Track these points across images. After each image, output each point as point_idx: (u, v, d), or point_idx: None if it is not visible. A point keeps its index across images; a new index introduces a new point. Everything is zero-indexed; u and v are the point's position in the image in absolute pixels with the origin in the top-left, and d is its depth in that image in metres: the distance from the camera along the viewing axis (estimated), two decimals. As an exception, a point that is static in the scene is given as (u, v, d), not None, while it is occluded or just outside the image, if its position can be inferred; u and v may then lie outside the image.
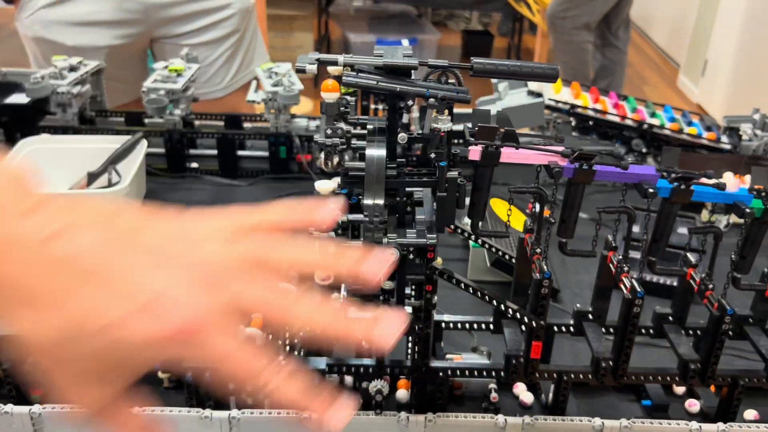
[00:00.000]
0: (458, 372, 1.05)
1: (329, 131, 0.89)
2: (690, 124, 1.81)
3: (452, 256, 1.52)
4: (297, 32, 5.64)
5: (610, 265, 1.06)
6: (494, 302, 1.00)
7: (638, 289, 0.98)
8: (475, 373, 1.06)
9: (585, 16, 4.25)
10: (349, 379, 1.13)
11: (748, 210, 0.95)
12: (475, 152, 0.93)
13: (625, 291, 0.99)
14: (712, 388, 1.15)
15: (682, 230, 1.48)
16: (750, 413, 1.13)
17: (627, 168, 0.94)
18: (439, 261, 1.04)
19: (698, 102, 5.26)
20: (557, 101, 1.72)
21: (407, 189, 1.03)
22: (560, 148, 0.93)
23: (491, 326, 1.15)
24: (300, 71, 0.92)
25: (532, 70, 0.93)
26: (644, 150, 1.74)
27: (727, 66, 4.87)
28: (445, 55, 6.05)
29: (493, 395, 1.09)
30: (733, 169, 1.81)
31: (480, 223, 1.01)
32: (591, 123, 1.76)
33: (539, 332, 0.99)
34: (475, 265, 1.44)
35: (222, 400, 1.06)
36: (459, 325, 1.16)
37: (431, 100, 0.89)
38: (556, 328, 1.15)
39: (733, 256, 1.02)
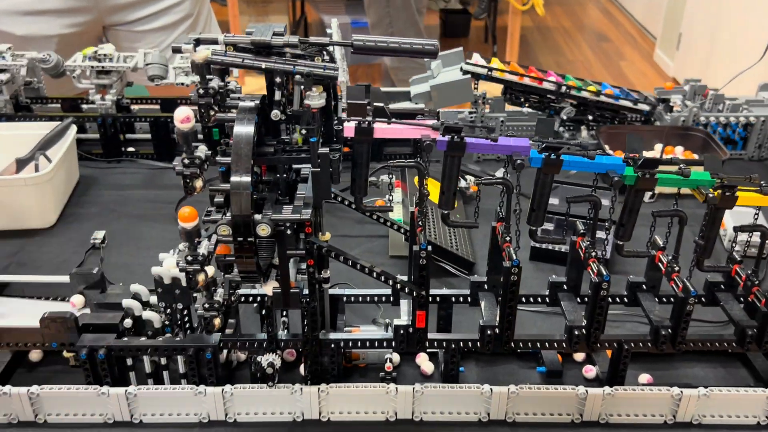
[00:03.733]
0: (350, 344, 1.08)
1: (186, 160, 0.91)
2: (626, 95, 1.82)
3: (377, 233, 1.54)
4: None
5: (498, 237, 1.08)
6: (374, 274, 1.01)
7: (513, 258, 1.00)
8: (367, 344, 1.08)
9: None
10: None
11: (616, 178, 0.97)
12: (349, 129, 0.95)
13: (505, 261, 1.01)
14: (609, 353, 1.17)
15: (605, 202, 1.49)
16: (644, 377, 1.16)
17: (496, 140, 0.96)
18: (327, 236, 1.06)
19: (674, 76, 5.25)
20: (475, 65, 1.72)
21: (296, 166, 1.05)
22: (431, 122, 0.95)
23: (391, 299, 1.18)
24: (176, 51, 0.93)
25: (411, 46, 0.95)
26: (572, 116, 1.75)
27: (701, 39, 4.86)
28: (422, 35, 6.03)
29: (388, 365, 1.11)
30: (664, 140, 1.84)
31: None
32: (520, 94, 1.77)
33: (422, 302, 1.01)
34: (394, 242, 1.46)
35: (121, 377, 1.09)
36: (360, 298, 1.18)
37: (297, 76, 0.91)
38: (453, 299, 1.17)
39: (607, 225, 1.04)
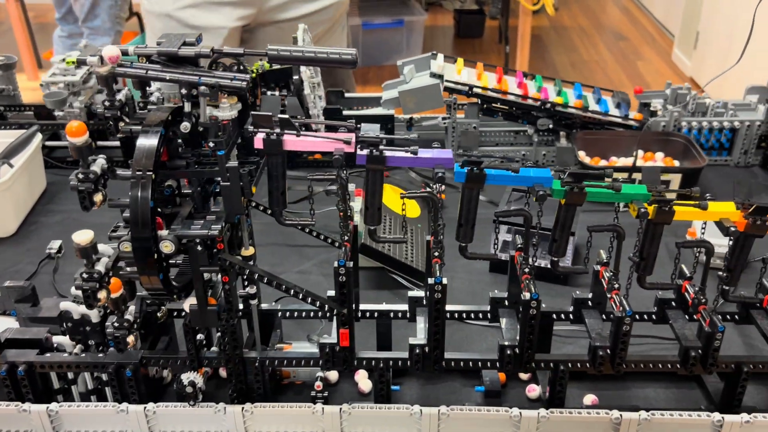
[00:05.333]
0: (276, 361, 1.04)
1: (81, 176, 0.89)
2: (599, 101, 1.76)
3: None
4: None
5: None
6: (291, 292, 0.98)
7: (437, 274, 0.96)
8: (293, 362, 1.05)
9: None
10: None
11: (540, 192, 0.92)
12: (259, 140, 0.92)
13: (430, 278, 0.97)
14: (557, 372, 1.13)
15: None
16: (589, 398, 1.11)
17: (416, 153, 0.92)
18: (250, 251, 1.03)
19: (691, 75, 5.13)
20: (456, 82, 1.68)
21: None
22: (344, 136, 0.91)
23: (327, 314, 1.14)
24: (81, 63, 0.91)
25: (327, 56, 0.92)
26: (550, 127, 1.69)
27: (719, 37, 4.74)
28: (436, 35, 5.98)
29: (317, 384, 1.07)
30: (644, 146, 1.78)
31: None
32: (497, 104, 1.73)
33: (343, 320, 0.98)
34: (350, 252, 1.42)
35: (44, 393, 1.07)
36: (296, 314, 1.15)
37: (202, 87, 0.88)
38: (392, 315, 1.14)
39: (535, 241, 0.99)
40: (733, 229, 0.93)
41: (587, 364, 1.02)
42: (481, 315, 1.13)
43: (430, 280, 0.96)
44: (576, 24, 6.32)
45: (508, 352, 1.00)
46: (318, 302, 0.98)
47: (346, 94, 1.86)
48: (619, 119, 1.72)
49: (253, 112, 0.90)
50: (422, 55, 1.80)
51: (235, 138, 0.94)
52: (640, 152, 1.73)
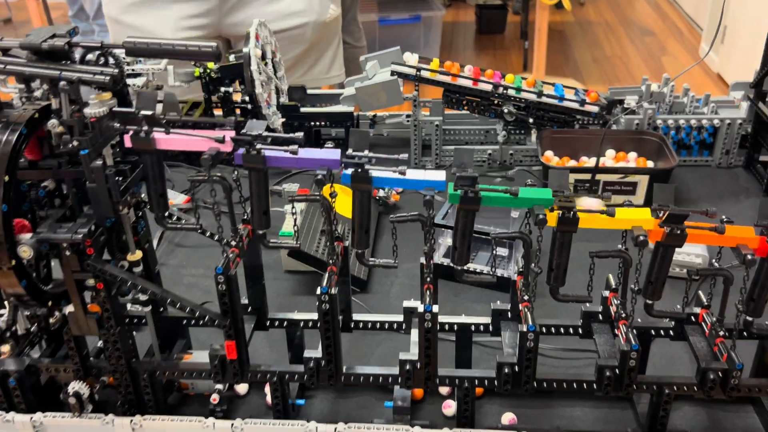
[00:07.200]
0: (167, 372, 0.99)
1: None
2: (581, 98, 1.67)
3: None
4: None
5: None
6: (167, 300, 0.92)
7: (323, 285, 0.89)
8: (184, 373, 0.99)
9: None
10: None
11: (427, 197, 0.84)
12: (127, 139, 0.86)
13: (318, 288, 0.91)
14: (479, 390, 1.06)
15: (515, 214, 1.36)
16: (507, 417, 1.03)
17: (296, 153, 0.85)
18: (137, 255, 0.98)
19: (718, 71, 4.94)
20: (403, 64, 1.61)
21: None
22: (217, 134, 0.85)
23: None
24: None
25: (186, 48, 0.86)
26: (510, 121, 1.61)
27: (746, 32, 4.55)
28: (457, 31, 5.88)
29: (213, 397, 1.02)
30: (617, 146, 1.68)
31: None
32: (459, 96, 1.65)
33: (228, 332, 0.92)
34: (287, 257, 1.36)
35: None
36: (201, 323, 1.09)
37: (62, 83, 0.83)
38: (302, 324, 1.07)
39: (426, 249, 0.91)
40: (641, 238, 0.84)
41: (495, 382, 0.95)
42: (395, 325, 1.06)
43: (318, 290, 0.89)
44: (602, 19, 6.16)
45: (408, 367, 0.93)
46: (198, 313, 0.92)
47: (309, 91, 1.80)
48: (576, 103, 1.62)
49: (115, 109, 0.84)
50: (388, 50, 1.72)
51: (108, 136, 0.89)
52: (612, 152, 1.64)
